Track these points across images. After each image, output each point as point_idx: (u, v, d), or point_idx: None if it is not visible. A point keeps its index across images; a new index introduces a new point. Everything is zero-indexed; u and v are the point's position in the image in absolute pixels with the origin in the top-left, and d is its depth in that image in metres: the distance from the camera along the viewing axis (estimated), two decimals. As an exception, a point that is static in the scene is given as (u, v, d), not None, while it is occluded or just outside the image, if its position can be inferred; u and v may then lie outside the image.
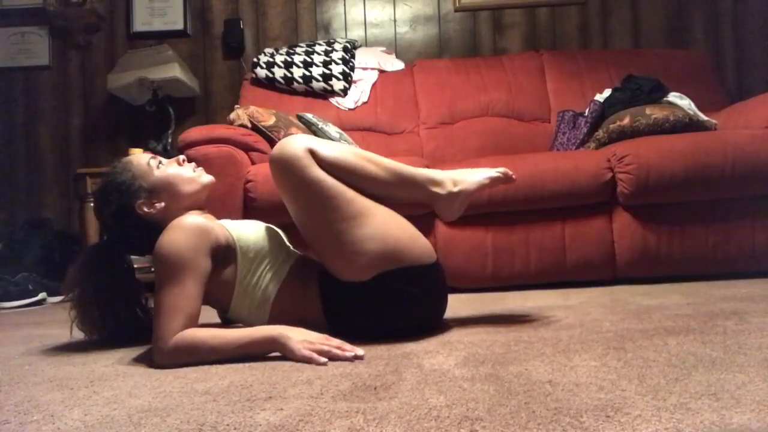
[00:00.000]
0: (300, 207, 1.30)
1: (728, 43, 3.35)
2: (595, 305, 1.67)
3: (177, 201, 1.34)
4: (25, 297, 2.60)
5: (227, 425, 0.77)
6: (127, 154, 3.03)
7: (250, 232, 1.33)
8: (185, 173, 1.37)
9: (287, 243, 1.42)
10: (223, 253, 1.27)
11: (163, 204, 1.32)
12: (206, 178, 1.40)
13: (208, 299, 1.31)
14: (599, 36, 3.41)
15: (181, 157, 1.41)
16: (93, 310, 1.33)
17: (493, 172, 1.42)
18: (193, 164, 1.41)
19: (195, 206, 1.37)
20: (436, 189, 1.37)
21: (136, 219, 1.31)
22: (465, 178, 1.39)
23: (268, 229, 1.39)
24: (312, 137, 1.32)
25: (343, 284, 1.28)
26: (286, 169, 1.26)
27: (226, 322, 1.46)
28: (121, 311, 1.37)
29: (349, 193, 1.27)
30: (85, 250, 1.42)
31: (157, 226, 1.28)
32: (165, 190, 1.33)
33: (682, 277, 2.14)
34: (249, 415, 0.81)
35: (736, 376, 0.87)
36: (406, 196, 1.40)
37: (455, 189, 1.38)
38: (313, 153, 1.25)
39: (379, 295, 1.26)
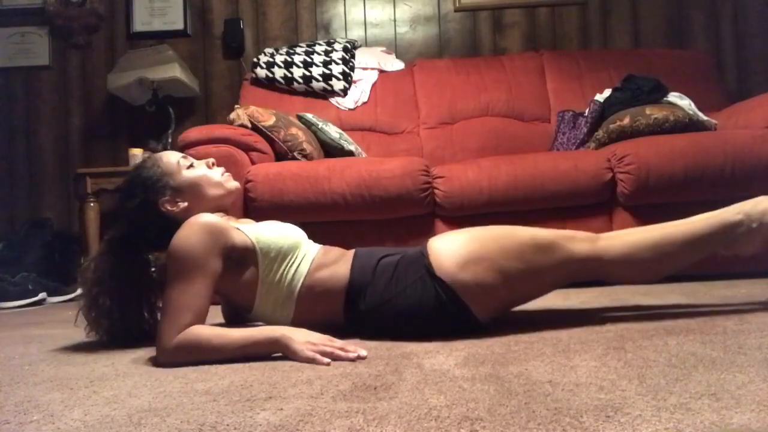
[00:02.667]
0: (523, 246, 1.29)
1: (728, 43, 3.35)
2: (595, 305, 1.67)
3: (200, 203, 1.35)
4: (25, 297, 2.60)
5: (227, 425, 0.77)
6: (127, 154, 3.05)
7: (269, 232, 1.33)
8: (213, 177, 1.38)
9: (307, 238, 1.42)
10: (240, 256, 1.27)
11: (186, 204, 1.33)
12: (232, 184, 1.41)
13: (230, 301, 1.32)
14: (599, 36, 3.41)
15: (211, 160, 1.42)
16: (105, 298, 1.32)
17: None
18: (222, 169, 1.42)
19: (218, 210, 1.38)
20: (733, 232, 1.33)
21: (157, 215, 1.32)
22: (764, 210, 1.33)
23: (286, 227, 1.40)
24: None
25: (374, 275, 1.29)
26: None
27: (239, 323, 1.45)
28: (131, 303, 1.36)
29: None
30: (105, 240, 1.42)
31: (176, 224, 1.28)
32: (190, 190, 1.34)
33: (682, 277, 2.13)
34: (249, 415, 0.81)
35: (736, 376, 0.87)
36: (701, 255, 1.39)
37: (754, 225, 1.32)
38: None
39: (425, 289, 1.26)
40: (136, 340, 1.40)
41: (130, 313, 1.37)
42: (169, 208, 1.32)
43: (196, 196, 1.35)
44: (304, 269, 1.32)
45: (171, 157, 1.38)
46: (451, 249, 1.29)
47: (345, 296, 1.31)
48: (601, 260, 1.31)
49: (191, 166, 1.38)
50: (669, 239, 1.34)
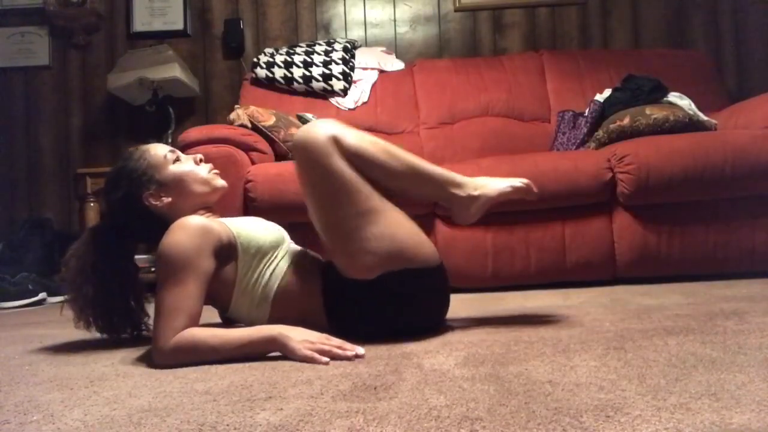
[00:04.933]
0: (316, 195, 1.28)
1: (728, 43, 3.35)
2: (595, 305, 1.67)
3: (185, 199, 1.34)
4: (25, 297, 2.60)
5: (227, 425, 0.77)
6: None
7: (250, 228, 1.33)
8: (199, 173, 1.37)
9: (288, 239, 1.42)
10: (225, 251, 1.27)
11: (169, 199, 1.33)
12: (219, 182, 1.40)
13: (208, 298, 1.31)
14: (599, 36, 3.41)
15: (199, 156, 1.41)
16: (88, 287, 1.32)
17: (516, 182, 1.40)
18: (210, 165, 1.41)
19: (202, 207, 1.37)
20: (455, 190, 1.36)
21: (140, 208, 1.32)
22: (487, 183, 1.38)
23: (268, 225, 1.40)
24: (338, 123, 1.29)
25: (346, 283, 1.28)
26: (307, 155, 1.24)
27: (227, 322, 1.46)
28: (114, 293, 1.35)
29: (366, 189, 1.26)
30: (89, 229, 1.42)
31: (160, 219, 1.29)
32: (175, 186, 1.33)
33: (682, 277, 2.14)
34: (249, 415, 0.81)
35: (736, 376, 0.87)
36: (422, 193, 1.39)
37: (475, 193, 1.36)
38: (336, 140, 1.24)
39: (382, 296, 1.26)
40: (125, 331, 1.39)
41: (114, 303, 1.36)
42: (152, 202, 1.32)
43: (180, 192, 1.34)
44: (280, 272, 1.32)
45: (158, 150, 1.37)
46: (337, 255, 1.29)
47: (323, 301, 1.31)
48: (338, 141, 1.24)
49: (178, 160, 1.37)
50: (399, 153, 1.31)
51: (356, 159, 1.25)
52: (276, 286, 1.31)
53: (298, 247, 1.42)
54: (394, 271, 1.25)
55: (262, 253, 1.31)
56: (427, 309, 1.34)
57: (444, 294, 1.39)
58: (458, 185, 1.36)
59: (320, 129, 1.25)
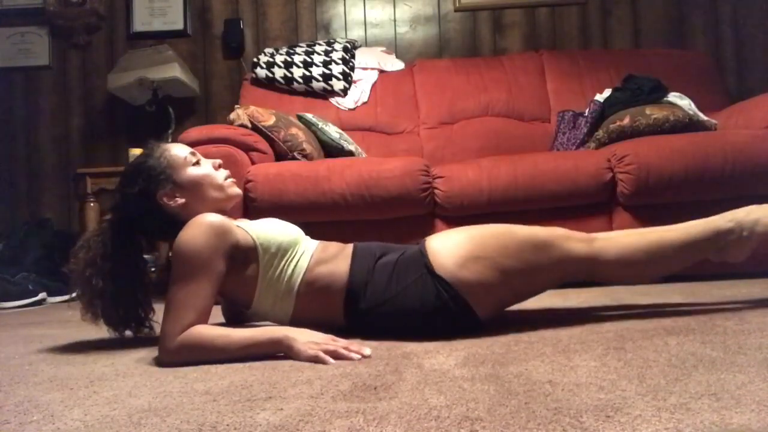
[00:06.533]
0: (527, 254, 1.31)
1: (728, 43, 3.35)
2: (595, 305, 1.67)
3: (199, 202, 1.34)
4: (25, 297, 2.60)
5: (227, 425, 0.77)
6: (127, 154, 3.04)
7: (268, 229, 1.34)
8: (216, 179, 1.38)
9: (304, 234, 1.42)
10: (242, 254, 1.28)
11: (183, 200, 1.33)
12: (234, 190, 1.41)
13: (229, 298, 1.34)
14: (599, 36, 3.41)
15: (218, 161, 1.42)
16: (98, 279, 1.31)
17: None
18: (227, 172, 1.42)
19: (216, 212, 1.37)
20: (728, 237, 1.36)
21: (153, 206, 1.32)
22: (758, 219, 1.35)
23: (284, 224, 1.41)
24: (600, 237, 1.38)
25: (373, 274, 1.29)
26: (557, 244, 1.32)
27: (232, 322, 1.45)
28: (123, 286, 1.34)
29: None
30: (100, 221, 1.42)
31: (171, 218, 1.30)
32: (191, 188, 1.34)
33: (682, 277, 2.13)
34: (249, 415, 0.81)
35: (736, 376, 0.87)
36: (698, 258, 1.41)
37: (746, 234, 1.35)
38: (595, 258, 1.33)
39: (420, 289, 1.26)
40: (130, 326, 1.39)
41: (123, 296, 1.35)
42: (166, 201, 1.32)
43: (195, 195, 1.34)
44: (303, 265, 1.32)
45: (179, 151, 1.37)
46: (450, 247, 1.30)
47: (345, 295, 1.31)
48: (596, 260, 1.33)
49: (197, 163, 1.37)
50: (663, 243, 1.37)
51: (618, 268, 1.35)
52: (299, 280, 1.31)
53: (316, 241, 1.42)
54: (460, 293, 1.25)
55: (282, 251, 1.32)
56: (437, 326, 1.33)
57: (458, 330, 1.37)
58: (726, 233, 1.36)
59: (585, 241, 1.35)
